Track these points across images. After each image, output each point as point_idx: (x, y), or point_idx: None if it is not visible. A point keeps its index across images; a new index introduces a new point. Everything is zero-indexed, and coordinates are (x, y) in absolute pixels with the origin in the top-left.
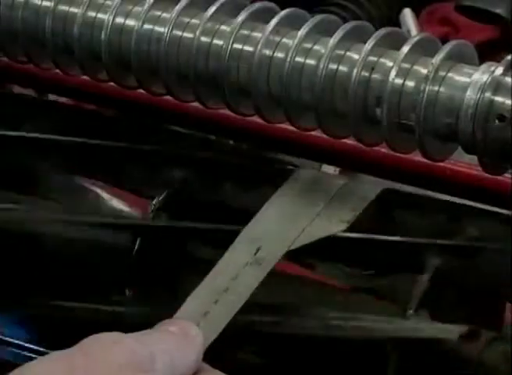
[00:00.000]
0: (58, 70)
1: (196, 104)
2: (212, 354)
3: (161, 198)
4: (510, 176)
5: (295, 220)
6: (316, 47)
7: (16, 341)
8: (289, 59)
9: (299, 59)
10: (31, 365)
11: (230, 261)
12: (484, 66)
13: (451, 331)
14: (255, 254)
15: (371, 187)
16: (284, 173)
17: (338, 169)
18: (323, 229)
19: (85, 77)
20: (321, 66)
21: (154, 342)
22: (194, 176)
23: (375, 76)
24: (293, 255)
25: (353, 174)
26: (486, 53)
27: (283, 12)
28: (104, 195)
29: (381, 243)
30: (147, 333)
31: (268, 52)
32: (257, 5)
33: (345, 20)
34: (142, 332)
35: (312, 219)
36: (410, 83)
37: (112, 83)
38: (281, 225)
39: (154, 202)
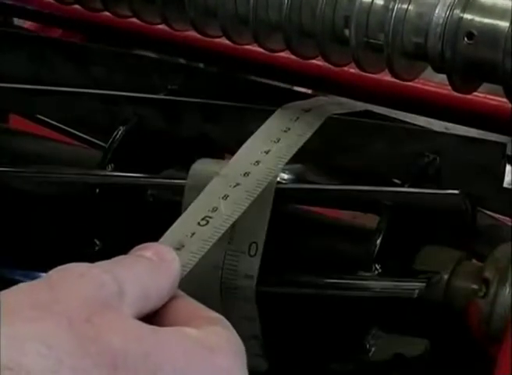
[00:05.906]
0: None
1: (164, 26)
2: None
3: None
4: (479, 94)
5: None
6: None
7: None
8: None
9: None
10: None
11: (217, 183)
12: None
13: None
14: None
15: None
16: None
17: (310, 91)
18: None
19: (51, 0)
20: None
21: (126, 272)
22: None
23: None
24: None
25: (324, 95)
26: None
27: None
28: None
29: None
30: (119, 260)
31: None
32: None
33: None
34: (113, 259)
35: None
36: (379, 2)
37: (78, 6)
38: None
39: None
